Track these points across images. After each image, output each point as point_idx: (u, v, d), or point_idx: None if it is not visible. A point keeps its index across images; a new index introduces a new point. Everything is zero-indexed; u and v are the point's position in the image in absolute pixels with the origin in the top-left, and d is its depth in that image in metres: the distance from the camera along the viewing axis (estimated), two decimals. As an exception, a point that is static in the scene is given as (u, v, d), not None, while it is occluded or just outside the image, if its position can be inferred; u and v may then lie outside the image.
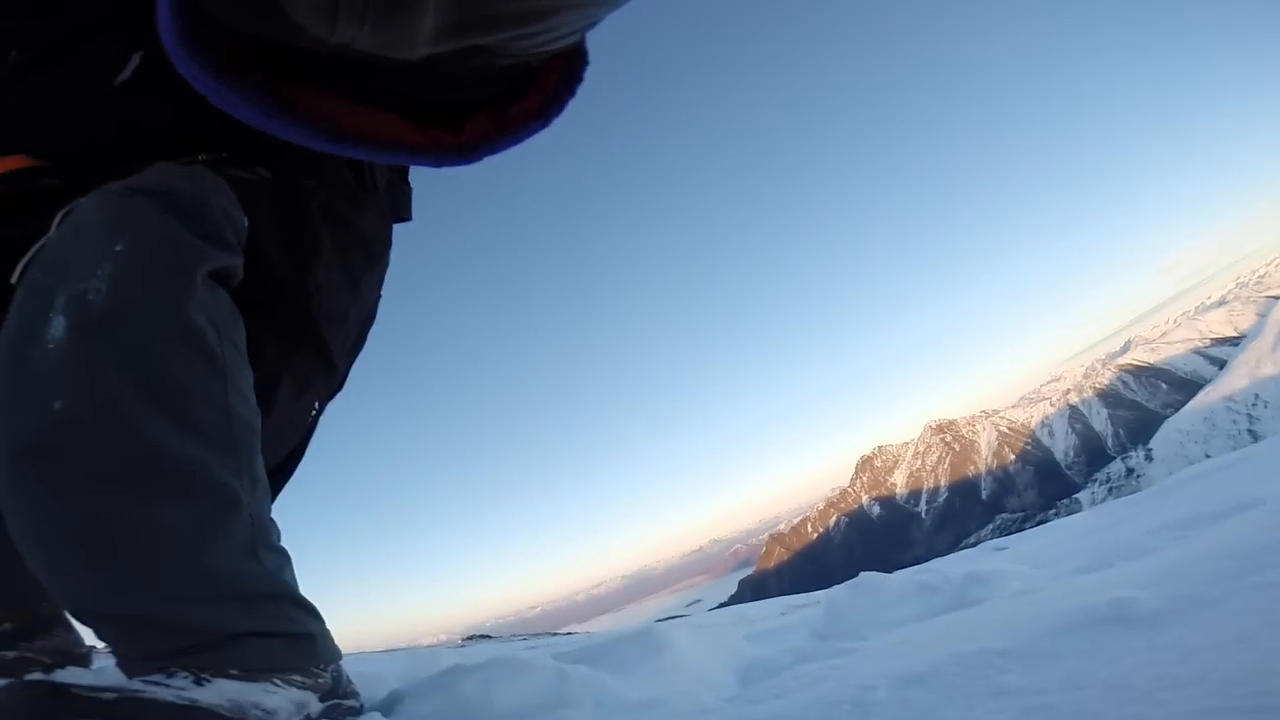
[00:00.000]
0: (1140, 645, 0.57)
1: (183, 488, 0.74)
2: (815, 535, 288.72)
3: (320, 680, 0.86)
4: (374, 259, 1.12)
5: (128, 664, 0.78)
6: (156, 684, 0.69)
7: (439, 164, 0.76)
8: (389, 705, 1.03)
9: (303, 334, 0.99)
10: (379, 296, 1.18)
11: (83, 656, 1.13)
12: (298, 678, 0.82)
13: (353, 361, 1.16)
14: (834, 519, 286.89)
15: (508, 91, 0.76)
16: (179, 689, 0.69)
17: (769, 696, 0.66)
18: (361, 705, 0.95)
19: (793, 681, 0.71)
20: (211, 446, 0.76)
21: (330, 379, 1.09)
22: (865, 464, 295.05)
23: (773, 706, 0.57)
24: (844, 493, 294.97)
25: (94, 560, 0.72)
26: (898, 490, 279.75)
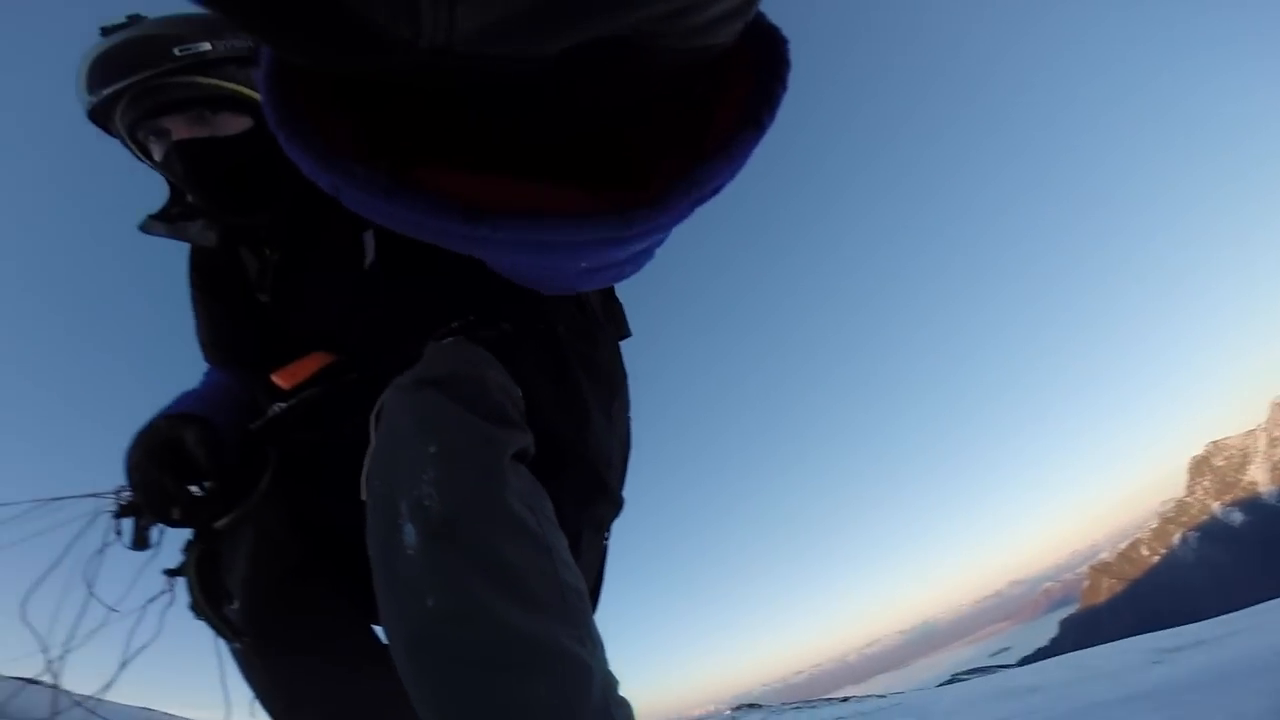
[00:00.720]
0: None
1: (543, 663, 0.78)
2: (1155, 559, 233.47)
3: None
4: (616, 390, 1.15)
5: None
6: None
7: (627, 229, 0.48)
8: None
9: (592, 487, 1.04)
10: (629, 419, 1.21)
11: None
12: None
13: (623, 484, 1.19)
14: (1177, 536, 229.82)
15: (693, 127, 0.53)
16: None
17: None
18: None
19: None
20: (555, 620, 0.81)
21: (616, 509, 1.13)
22: (1201, 465, 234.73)
23: None
24: (1181, 504, 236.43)
25: None
26: (1260, 488, 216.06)
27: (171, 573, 1.01)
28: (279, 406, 1.04)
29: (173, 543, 1.04)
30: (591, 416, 1.04)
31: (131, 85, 0.93)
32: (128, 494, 1.00)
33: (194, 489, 1.01)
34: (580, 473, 1.02)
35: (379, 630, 1.14)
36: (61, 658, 0.95)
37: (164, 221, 1.06)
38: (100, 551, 0.97)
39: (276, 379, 1.04)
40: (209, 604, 1.00)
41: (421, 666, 0.78)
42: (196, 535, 1.03)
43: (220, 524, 1.01)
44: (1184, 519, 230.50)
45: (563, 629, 0.80)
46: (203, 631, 1.04)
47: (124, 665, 0.96)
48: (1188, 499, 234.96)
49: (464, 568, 0.77)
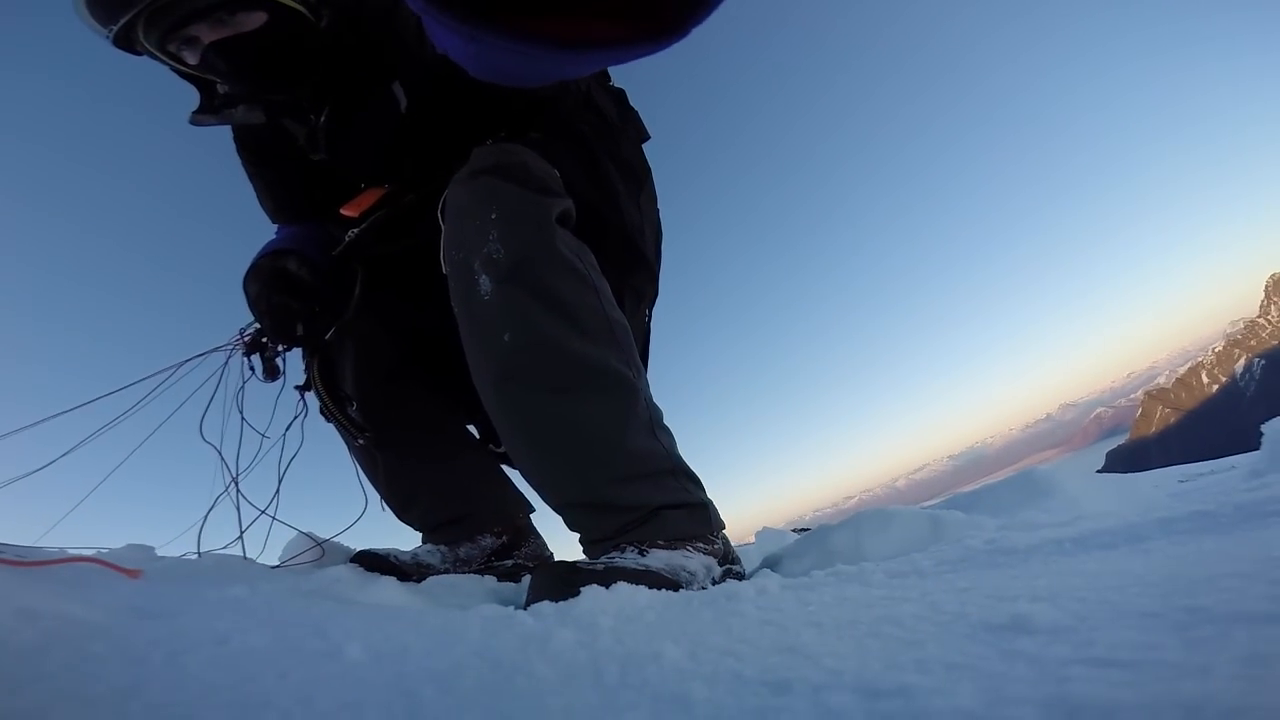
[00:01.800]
0: None
1: (599, 384, 0.89)
2: (1215, 387, 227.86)
3: (716, 546, 0.96)
4: (642, 181, 1.23)
5: (589, 549, 0.95)
6: (619, 556, 0.86)
7: (658, 49, 0.67)
8: (767, 567, 1.09)
9: (629, 252, 1.14)
10: (658, 210, 1.28)
11: (548, 558, 1.36)
12: (701, 544, 0.93)
13: (659, 270, 1.25)
14: (1242, 361, 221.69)
15: None
16: (634, 559, 0.85)
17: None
18: (744, 570, 1.02)
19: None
20: (606, 347, 0.91)
21: (654, 287, 1.23)
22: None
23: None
24: (1252, 325, 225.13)
25: (558, 453, 0.89)
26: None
27: (301, 387, 1.18)
28: (353, 231, 1.17)
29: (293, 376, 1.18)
30: (620, 192, 1.14)
31: (144, 9, 0.94)
32: (250, 331, 1.15)
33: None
34: (619, 241, 1.12)
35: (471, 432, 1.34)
36: (238, 479, 1.09)
37: (210, 114, 1.11)
38: (243, 386, 1.12)
39: (345, 211, 1.17)
40: (336, 407, 1.17)
41: (504, 398, 0.89)
42: (311, 351, 1.17)
43: (330, 336, 1.17)
44: (1252, 343, 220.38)
45: (612, 354, 0.92)
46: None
47: (283, 475, 1.12)
48: (1260, 319, 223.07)
49: (530, 304, 0.88)
